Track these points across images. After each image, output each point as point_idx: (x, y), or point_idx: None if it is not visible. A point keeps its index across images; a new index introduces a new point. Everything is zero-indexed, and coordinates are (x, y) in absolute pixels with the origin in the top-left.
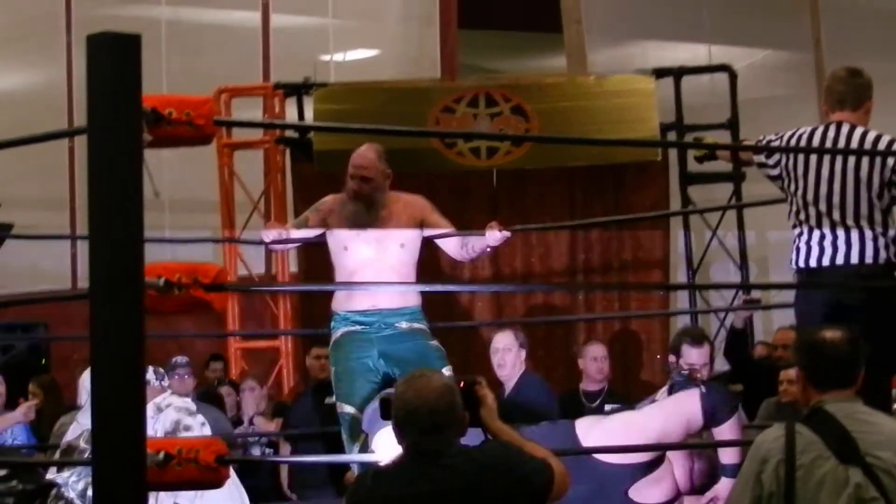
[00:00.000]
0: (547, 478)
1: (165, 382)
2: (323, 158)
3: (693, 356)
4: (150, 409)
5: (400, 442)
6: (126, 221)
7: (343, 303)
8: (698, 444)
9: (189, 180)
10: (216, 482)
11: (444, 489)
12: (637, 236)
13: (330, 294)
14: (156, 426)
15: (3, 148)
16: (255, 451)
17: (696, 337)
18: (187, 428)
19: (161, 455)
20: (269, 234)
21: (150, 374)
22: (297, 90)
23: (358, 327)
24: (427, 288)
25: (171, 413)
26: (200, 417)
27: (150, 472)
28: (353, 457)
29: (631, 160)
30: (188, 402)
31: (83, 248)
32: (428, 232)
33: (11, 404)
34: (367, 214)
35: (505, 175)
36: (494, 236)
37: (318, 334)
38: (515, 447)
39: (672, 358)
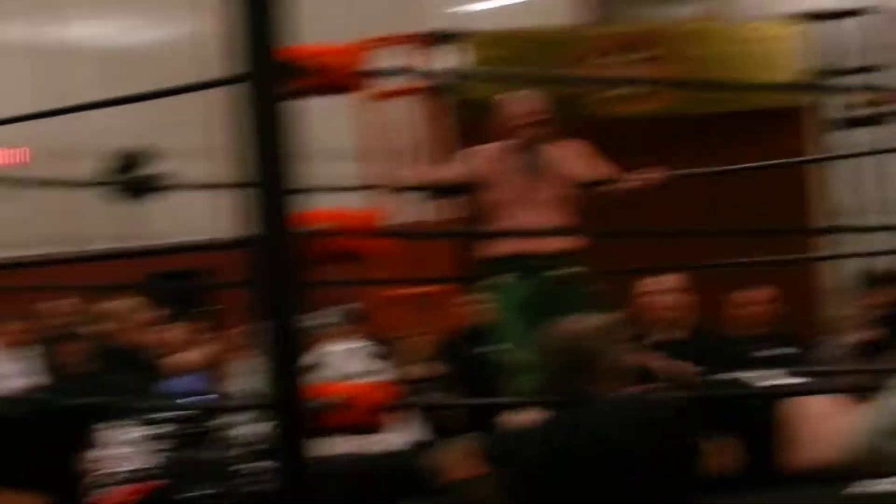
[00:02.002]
0: (699, 441)
1: (345, 327)
2: (471, 106)
3: (876, 297)
4: (336, 351)
5: (551, 389)
6: (281, 171)
7: (500, 248)
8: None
9: (339, 129)
10: (380, 426)
11: (592, 440)
12: (780, 182)
13: (487, 240)
14: (340, 369)
15: (151, 99)
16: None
17: (880, 278)
18: (371, 373)
19: (328, 400)
20: (414, 180)
21: (338, 318)
22: (444, 39)
23: (515, 272)
24: (584, 232)
25: (356, 357)
26: (385, 363)
27: (319, 418)
28: (511, 400)
29: (775, 105)
30: (373, 348)
31: (236, 198)
32: (581, 179)
33: None
34: (528, 161)
35: (650, 121)
36: (644, 180)
37: (474, 279)
38: (669, 403)
39: (857, 299)
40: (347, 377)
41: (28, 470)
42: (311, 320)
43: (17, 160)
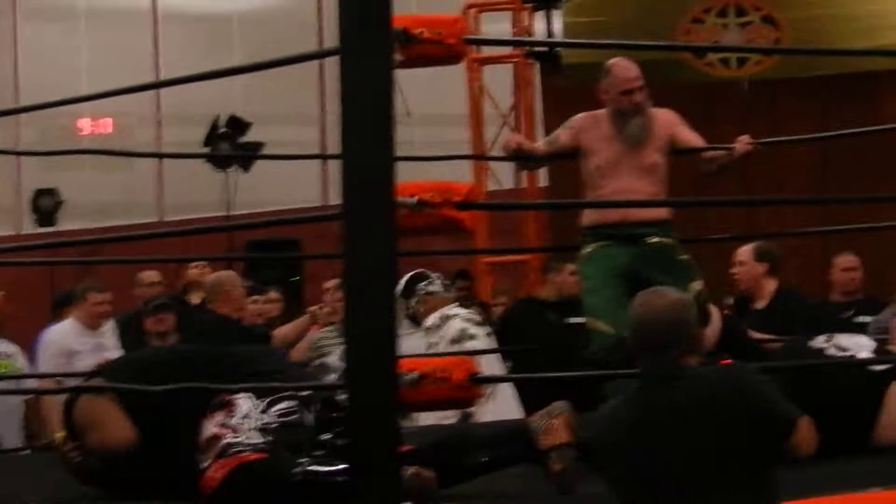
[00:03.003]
0: (793, 416)
1: (451, 294)
2: (573, 72)
3: None
4: (436, 317)
5: (635, 361)
6: (378, 142)
7: (593, 217)
8: None
9: (438, 95)
10: (468, 401)
11: (678, 412)
12: (889, 145)
13: (584, 208)
14: (441, 334)
15: (256, 70)
16: None
17: None
18: (472, 337)
19: (414, 374)
20: (509, 146)
21: (437, 285)
22: (546, 3)
23: (608, 241)
24: (678, 202)
25: (456, 322)
26: (487, 328)
27: (404, 392)
28: (598, 373)
29: (884, 68)
30: (474, 313)
31: (334, 164)
32: (678, 147)
33: None
34: (625, 131)
35: (755, 85)
36: (743, 150)
37: (567, 249)
38: (765, 381)
39: None
40: (465, 341)
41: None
42: (423, 287)
43: (103, 130)
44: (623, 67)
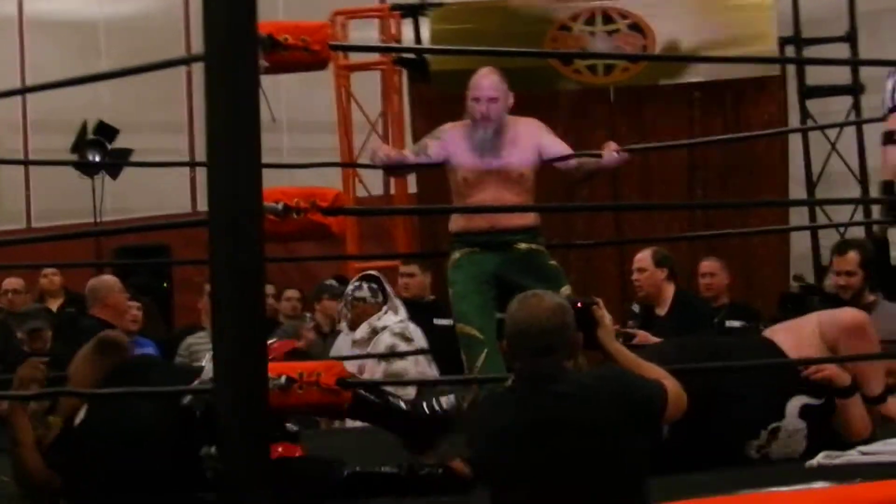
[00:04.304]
0: (661, 403)
1: (380, 299)
2: (440, 79)
3: (838, 264)
4: (364, 330)
5: (511, 364)
6: (243, 148)
7: (461, 224)
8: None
9: (307, 102)
10: (338, 405)
11: (553, 417)
12: (755, 152)
13: (451, 215)
14: (369, 349)
15: (121, 76)
16: None
17: (840, 246)
18: (401, 356)
19: (283, 379)
20: (378, 156)
21: (364, 291)
22: (414, 10)
23: (476, 248)
24: (546, 208)
25: (385, 337)
26: (416, 343)
27: (273, 396)
28: (475, 377)
29: (749, 75)
30: (404, 327)
31: (202, 171)
32: (545, 156)
33: None
34: (489, 140)
35: (622, 92)
36: (610, 157)
37: (436, 255)
38: (629, 373)
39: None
40: (393, 358)
41: None
42: (350, 293)
43: None
44: (479, 76)
